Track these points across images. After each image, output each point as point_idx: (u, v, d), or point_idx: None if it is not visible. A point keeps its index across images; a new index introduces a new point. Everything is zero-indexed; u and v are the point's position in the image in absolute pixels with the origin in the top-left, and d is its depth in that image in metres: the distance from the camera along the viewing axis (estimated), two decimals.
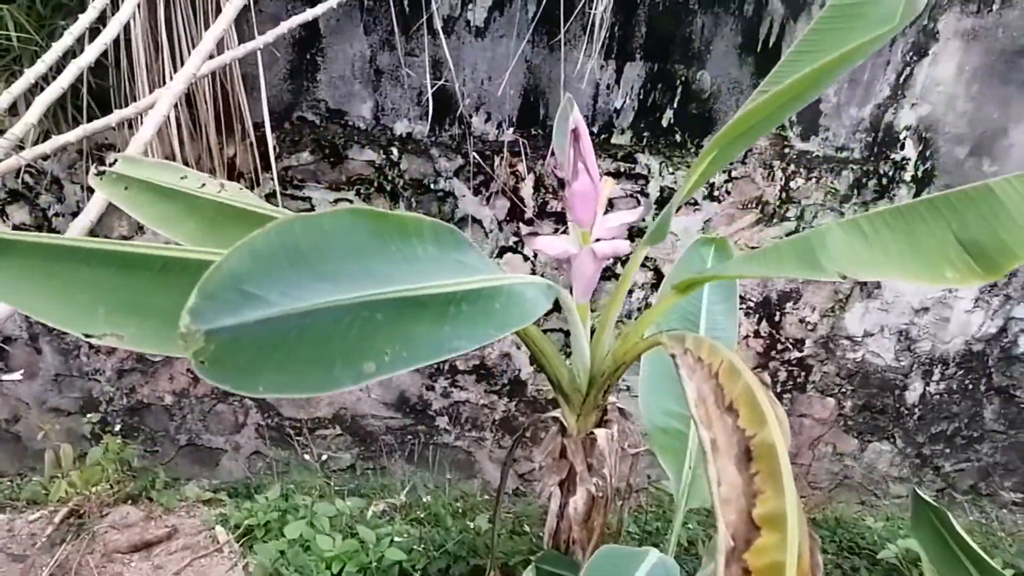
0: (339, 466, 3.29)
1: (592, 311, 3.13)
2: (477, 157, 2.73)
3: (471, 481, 3.37)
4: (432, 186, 2.81)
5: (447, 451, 3.32)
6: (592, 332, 1.43)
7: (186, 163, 2.62)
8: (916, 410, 3.30)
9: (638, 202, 2.86)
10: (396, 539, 2.69)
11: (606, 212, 1.37)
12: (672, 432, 1.79)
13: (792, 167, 2.86)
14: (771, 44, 2.66)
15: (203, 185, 1.23)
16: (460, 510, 3.10)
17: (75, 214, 2.68)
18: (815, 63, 1.00)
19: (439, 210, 2.84)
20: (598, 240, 1.33)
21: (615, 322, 1.39)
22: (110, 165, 1.20)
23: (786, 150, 2.85)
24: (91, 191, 2.55)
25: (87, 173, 2.64)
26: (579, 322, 1.32)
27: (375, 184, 2.79)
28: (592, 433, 1.39)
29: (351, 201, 2.81)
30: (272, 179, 2.74)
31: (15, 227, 2.68)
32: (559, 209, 2.87)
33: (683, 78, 2.71)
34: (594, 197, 1.29)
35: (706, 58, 2.69)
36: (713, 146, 1.17)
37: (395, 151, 2.75)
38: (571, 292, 1.39)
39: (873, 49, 1.02)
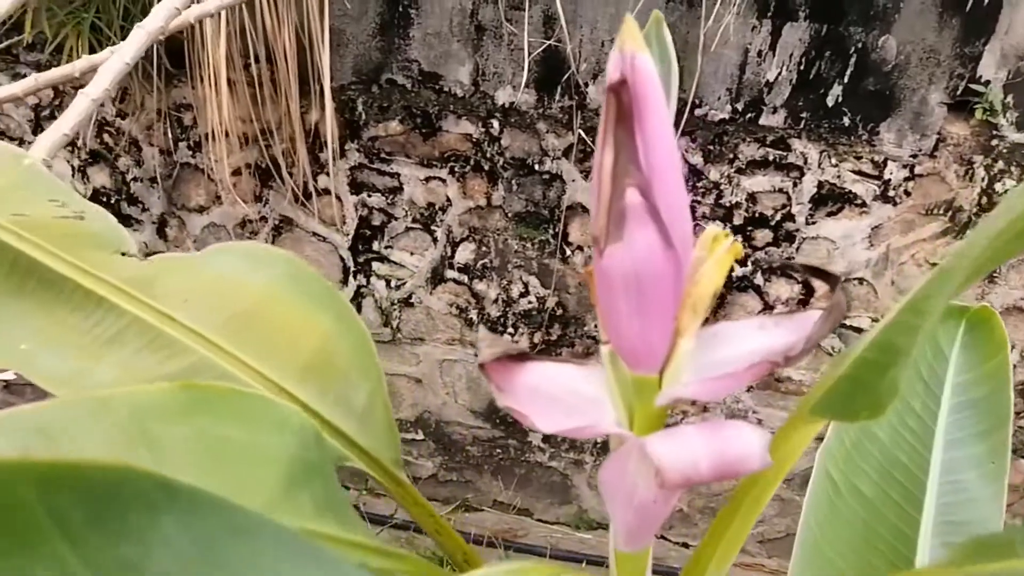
0: (420, 474, 2.99)
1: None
2: (583, 135, 2.28)
3: (565, 507, 2.97)
4: (537, 167, 2.40)
5: (540, 471, 2.93)
6: None
7: (264, 130, 2.35)
8: None
9: (788, 222, 2.31)
10: None
11: (707, 322, 0.35)
12: None
13: (1000, 164, 2.22)
14: (987, 1, 2.04)
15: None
16: None
17: (153, 180, 2.49)
18: None
19: (544, 196, 2.42)
20: (675, 402, 0.33)
21: None
22: None
23: (994, 142, 2.21)
24: (162, 152, 2.34)
25: (164, 135, 2.45)
26: None
27: (471, 161, 2.42)
28: None
29: (443, 181, 2.46)
30: (359, 150, 2.44)
31: (95, 190, 2.52)
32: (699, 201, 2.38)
33: (859, 44, 2.14)
34: (672, 283, 0.31)
35: (893, 18, 2.11)
36: None
37: (496, 124, 2.36)
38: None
39: None
